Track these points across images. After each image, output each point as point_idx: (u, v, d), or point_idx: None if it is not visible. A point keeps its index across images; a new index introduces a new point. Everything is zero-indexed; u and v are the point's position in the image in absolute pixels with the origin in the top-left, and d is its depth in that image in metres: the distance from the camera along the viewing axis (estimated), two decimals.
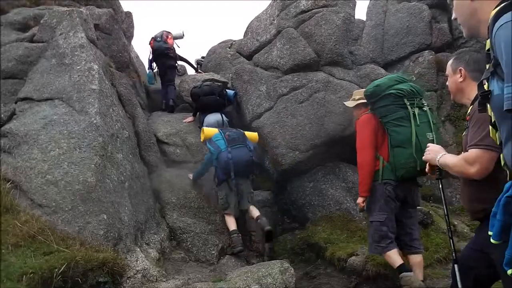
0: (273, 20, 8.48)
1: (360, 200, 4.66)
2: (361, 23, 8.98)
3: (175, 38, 9.63)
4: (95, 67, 5.73)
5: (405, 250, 4.66)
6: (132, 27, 9.91)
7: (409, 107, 4.42)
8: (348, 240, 6.08)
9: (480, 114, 2.06)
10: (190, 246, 5.96)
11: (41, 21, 6.54)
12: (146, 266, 4.70)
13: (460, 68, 2.97)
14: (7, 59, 6.17)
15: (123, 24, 9.01)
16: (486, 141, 2.49)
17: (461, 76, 2.95)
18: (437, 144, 3.85)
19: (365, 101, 4.95)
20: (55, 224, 4.37)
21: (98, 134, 5.12)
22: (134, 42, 10.87)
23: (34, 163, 4.87)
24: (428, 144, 3.03)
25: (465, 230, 6.21)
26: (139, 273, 4.58)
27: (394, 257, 4.50)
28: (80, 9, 6.73)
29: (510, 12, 1.41)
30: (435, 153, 2.98)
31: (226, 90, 7.76)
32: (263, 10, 9.11)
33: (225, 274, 5.15)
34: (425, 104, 4.60)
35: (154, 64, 9.31)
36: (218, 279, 5.05)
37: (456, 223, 6.33)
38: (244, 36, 9.53)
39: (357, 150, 4.72)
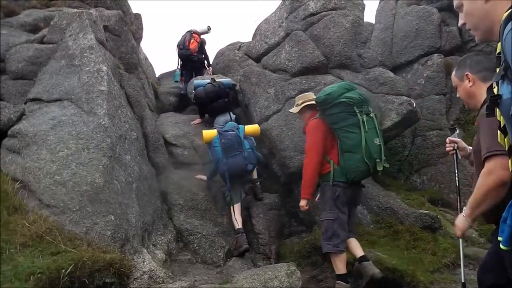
0: (282, 22, 8.49)
1: (303, 202, 4.83)
2: (370, 26, 8.93)
3: (202, 33, 10.18)
4: (104, 68, 5.76)
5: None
6: (141, 28, 9.96)
7: (358, 114, 4.66)
8: None
9: (488, 118, 1.96)
10: (197, 248, 5.96)
11: (51, 23, 6.59)
12: (152, 268, 4.71)
13: (466, 73, 2.94)
14: (18, 60, 6.23)
15: (132, 26, 9.06)
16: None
17: (469, 80, 2.92)
18: (381, 145, 4.70)
19: (309, 103, 5.18)
20: (63, 225, 4.39)
21: (106, 135, 5.14)
22: (143, 44, 10.94)
23: (42, 164, 4.89)
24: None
25: (474, 235, 6.16)
26: (146, 274, 4.59)
27: (340, 264, 4.74)
28: (90, 11, 6.78)
29: None
30: (462, 223, 2.88)
31: (223, 83, 7.85)
32: (272, 12, 9.13)
33: (232, 277, 5.14)
34: (372, 111, 4.87)
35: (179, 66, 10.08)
36: (224, 281, 5.05)
37: None
38: (253, 38, 9.55)
39: (305, 152, 4.97)
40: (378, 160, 4.65)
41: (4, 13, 7.60)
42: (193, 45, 9.75)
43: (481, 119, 2.65)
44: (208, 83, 7.80)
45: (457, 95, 3.13)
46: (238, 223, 6.04)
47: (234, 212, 6.11)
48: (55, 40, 6.33)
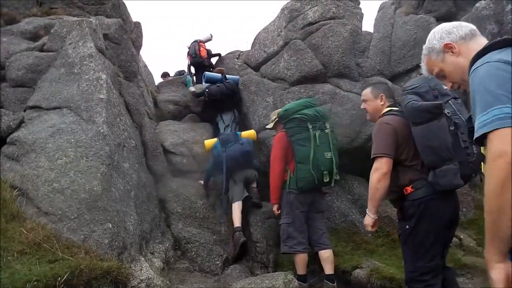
0: (281, 31, 8.53)
1: (274, 208, 5.58)
2: (368, 35, 8.97)
3: (205, 41, 11.18)
4: (103, 76, 5.78)
5: (316, 247, 5.39)
6: (141, 37, 10.01)
7: (310, 130, 5.23)
8: (353, 253, 6.06)
9: (380, 128, 3.75)
10: (194, 256, 5.96)
11: (51, 31, 6.63)
12: (150, 276, 4.70)
13: (382, 94, 4.07)
14: (17, 68, 6.26)
15: (132, 34, 9.11)
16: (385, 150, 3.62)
17: (381, 100, 4.05)
18: (334, 160, 5.27)
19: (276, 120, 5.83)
20: (61, 232, 4.38)
21: (105, 143, 5.16)
22: (142, 52, 11.01)
23: (41, 171, 4.90)
24: None
25: (471, 244, 6.17)
26: (143, 282, 4.58)
27: (300, 264, 5.25)
28: (90, 19, 6.81)
29: (478, 60, 1.78)
30: (367, 219, 3.91)
31: (234, 80, 8.48)
32: (271, 21, 9.17)
33: (229, 285, 5.15)
34: (327, 126, 5.40)
35: (192, 71, 11.09)
36: None
37: (462, 236, 6.30)
38: (252, 47, 9.60)
39: (270, 162, 5.61)
40: (325, 172, 5.19)
41: (5, 20, 7.64)
42: (203, 53, 10.78)
43: (376, 128, 3.81)
44: (220, 82, 8.37)
45: (362, 107, 4.25)
46: (237, 221, 6.14)
47: (233, 210, 6.27)
48: (55, 48, 6.37)
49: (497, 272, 1.59)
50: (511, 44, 1.74)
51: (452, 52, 2.19)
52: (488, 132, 1.60)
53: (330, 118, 5.79)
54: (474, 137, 1.68)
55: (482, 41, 2.02)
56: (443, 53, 2.23)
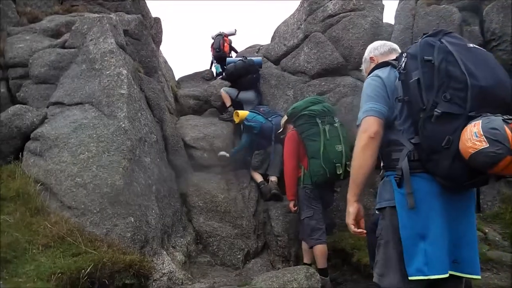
0: (301, 24, 8.47)
1: (291, 204, 5.62)
2: (389, 27, 8.83)
3: (229, 35, 11.57)
4: (124, 72, 5.82)
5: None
6: (161, 32, 10.04)
7: (320, 124, 5.36)
8: None
9: None
10: (216, 250, 5.99)
11: (73, 28, 6.69)
12: (172, 269, 4.74)
13: None
14: (40, 65, 6.33)
15: (152, 30, 9.14)
16: None
17: None
18: (345, 152, 5.25)
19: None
20: (84, 226, 4.45)
21: (127, 138, 5.19)
22: (162, 47, 11.07)
23: (64, 166, 4.96)
24: None
25: (497, 238, 6.03)
26: (165, 276, 4.62)
27: (320, 257, 5.24)
28: (110, 16, 6.85)
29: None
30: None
31: (254, 60, 8.52)
32: (290, 14, 9.12)
33: (251, 279, 5.14)
34: (336, 120, 5.52)
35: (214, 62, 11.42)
36: (243, 283, 5.05)
37: (487, 230, 6.16)
38: (271, 40, 9.56)
39: (283, 160, 5.72)
40: (338, 164, 5.21)
41: (28, 19, 7.77)
42: (226, 48, 11.15)
43: None
44: (239, 60, 8.52)
45: None
46: (259, 178, 6.84)
47: (255, 174, 6.94)
48: (76, 44, 6.43)
49: (353, 207, 2.59)
50: (388, 64, 2.64)
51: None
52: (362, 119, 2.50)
53: (338, 112, 5.93)
54: (357, 123, 2.56)
55: (393, 56, 2.81)
56: (370, 63, 3.07)
